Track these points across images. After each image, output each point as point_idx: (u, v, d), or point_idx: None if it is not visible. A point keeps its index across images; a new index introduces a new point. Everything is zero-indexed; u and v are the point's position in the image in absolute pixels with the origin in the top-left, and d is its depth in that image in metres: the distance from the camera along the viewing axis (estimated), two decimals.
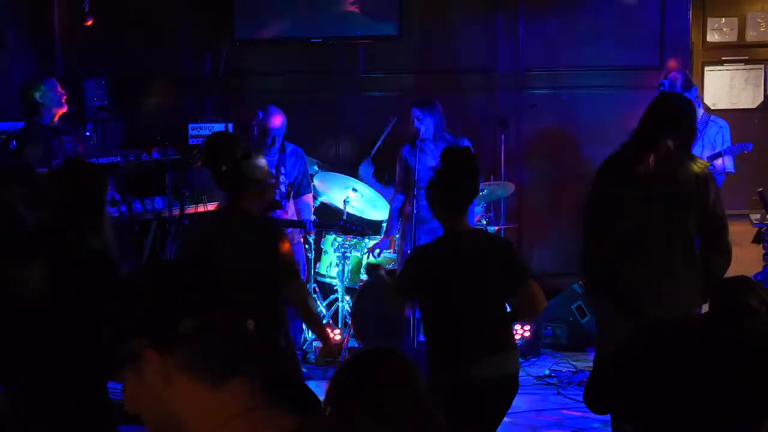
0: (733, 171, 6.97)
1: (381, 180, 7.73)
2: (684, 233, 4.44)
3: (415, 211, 6.50)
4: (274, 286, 4.28)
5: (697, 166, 4.51)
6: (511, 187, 7.48)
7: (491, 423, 4.10)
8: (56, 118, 7.06)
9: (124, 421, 4.25)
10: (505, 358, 4.05)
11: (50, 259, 3.71)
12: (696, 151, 6.13)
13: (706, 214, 4.44)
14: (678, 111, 4.51)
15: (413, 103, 6.81)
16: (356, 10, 8.22)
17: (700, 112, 6.79)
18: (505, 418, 4.22)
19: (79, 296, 3.69)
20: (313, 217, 6.95)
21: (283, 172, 6.89)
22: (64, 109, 7.12)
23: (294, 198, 6.91)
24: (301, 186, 6.93)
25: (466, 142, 6.77)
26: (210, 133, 7.29)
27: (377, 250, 7.11)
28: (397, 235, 7.07)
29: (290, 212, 6.84)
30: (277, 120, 6.86)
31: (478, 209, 7.23)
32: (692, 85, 6.89)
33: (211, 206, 7.36)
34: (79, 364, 3.70)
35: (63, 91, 7.07)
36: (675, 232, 4.43)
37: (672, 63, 7.78)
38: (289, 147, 6.94)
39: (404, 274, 4.25)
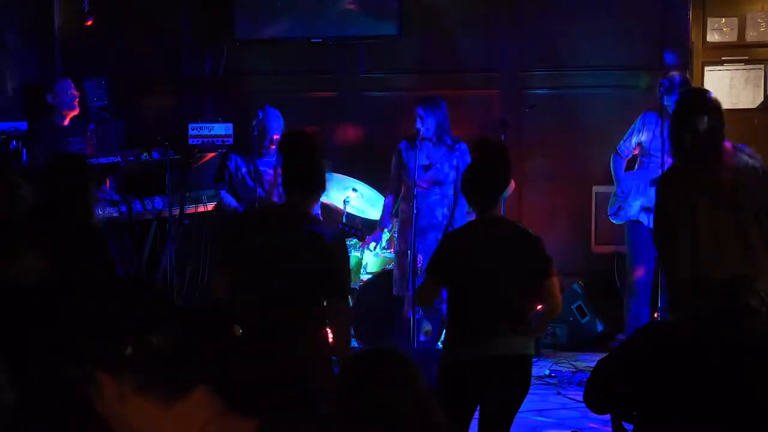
0: None
1: None
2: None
3: (415, 211, 6.49)
4: (313, 296, 4.16)
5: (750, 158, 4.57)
6: (511, 187, 7.47)
7: (507, 404, 4.24)
8: (67, 121, 7.09)
9: None
10: (516, 340, 4.20)
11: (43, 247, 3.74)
12: None
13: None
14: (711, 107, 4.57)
15: (417, 101, 6.80)
16: (356, 10, 8.22)
17: None
18: None
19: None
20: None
21: (280, 173, 6.89)
22: (76, 112, 7.15)
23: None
24: None
25: (463, 147, 6.77)
26: (210, 133, 7.32)
27: (372, 243, 7.15)
28: (395, 235, 7.06)
29: None
30: (275, 121, 6.87)
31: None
32: (690, 86, 6.88)
33: (210, 206, 7.37)
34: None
35: (76, 93, 7.10)
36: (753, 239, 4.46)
37: (671, 60, 7.78)
38: None
39: (436, 254, 4.42)
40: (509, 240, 4.30)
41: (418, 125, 6.69)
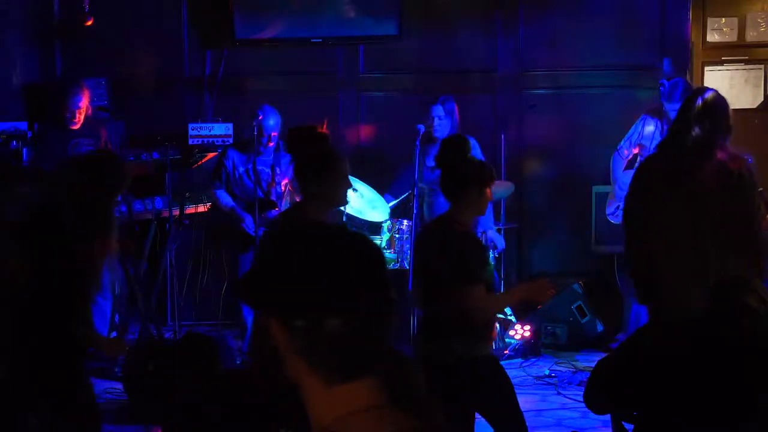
0: None
1: None
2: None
3: (415, 211, 6.48)
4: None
5: (734, 162, 4.49)
6: (511, 187, 7.48)
7: (469, 405, 4.13)
8: (79, 124, 7.10)
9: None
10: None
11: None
12: None
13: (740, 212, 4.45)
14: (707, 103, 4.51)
15: (439, 99, 6.75)
16: (356, 10, 8.22)
17: None
18: None
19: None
20: None
21: (278, 172, 6.91)
22: (89, 113, 7.17)
23: (299, 194, 6.95)
24: None
25: (473, 143, 6.74)
26: (210, 133, 7.32)
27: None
28: (396, 235, 7.06)
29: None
30: (273, 120, 6.88)
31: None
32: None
33: (205, 207, 7.37)
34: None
35: (83, 95, 7.11)
36: (707, 236, 4.43)
37: (668, 68, 7.77)
38: (284, 146, 6.97)
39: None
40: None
41: (437, 124, 6.65)
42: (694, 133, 4.40)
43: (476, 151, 6.68)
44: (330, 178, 4.17)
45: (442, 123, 6.70)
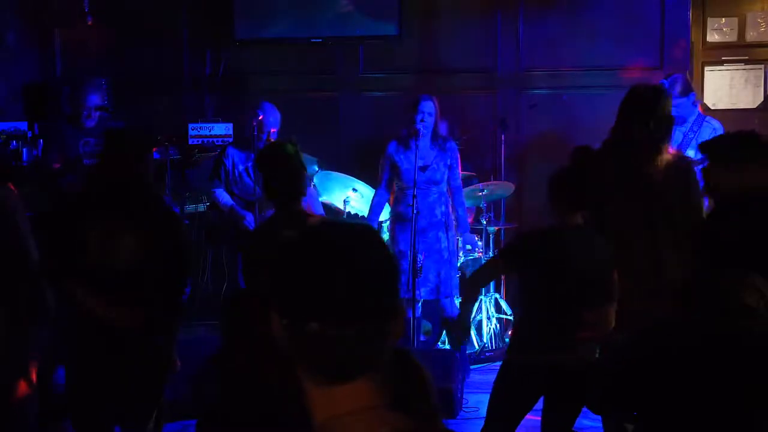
0: None
1: None
2: (669, 228, 4.46)
3: (415, 212, 6.45)
4: None
5: (673, 157, 4.55)
6: (511, 187, 7.48)
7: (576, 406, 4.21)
8: (94, 122, 7.12)
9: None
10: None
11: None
12: (689, 153, 6.16)
13: (688, 206, 4.47)
14: (646, 99, 4.55)
15: (425, 97, 6.70)
16: (356, 10, 8.22)
17: (695, 113, 6.80)
18: None
19: None
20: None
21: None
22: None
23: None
24: None
25: (452, 145, 6.77)
26: (210, 133, 7.32)
27: None
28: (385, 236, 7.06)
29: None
30: (272, 117, 6.89)
31: (469, 203, 7.23)
32: (691, 90, 6.88)
33: (204, 207, 7.36)
34: None
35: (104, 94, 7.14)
36: (659, 228, 4.44)
37: (672, 62, 7.78)
38: None
39: (514, 248, 4.44)
40: (588, 249, 4.27)
41: (425, 122, 6.60)
42: (642, 130, 4.46)
43: (455, 154, 6.71)
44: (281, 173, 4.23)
45: (428, 119, 6.63)
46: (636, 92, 4.69)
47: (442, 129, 6.88)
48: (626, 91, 4.74)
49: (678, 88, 6.63)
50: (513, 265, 4.38)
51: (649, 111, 4.54)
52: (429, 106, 6.59)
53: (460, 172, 6.88)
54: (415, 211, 6.45)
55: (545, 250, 4.19)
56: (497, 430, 4.25)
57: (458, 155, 6.80)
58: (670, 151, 4.63)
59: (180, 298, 4.32)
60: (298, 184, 4.28)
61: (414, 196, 6.46)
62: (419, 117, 6.57)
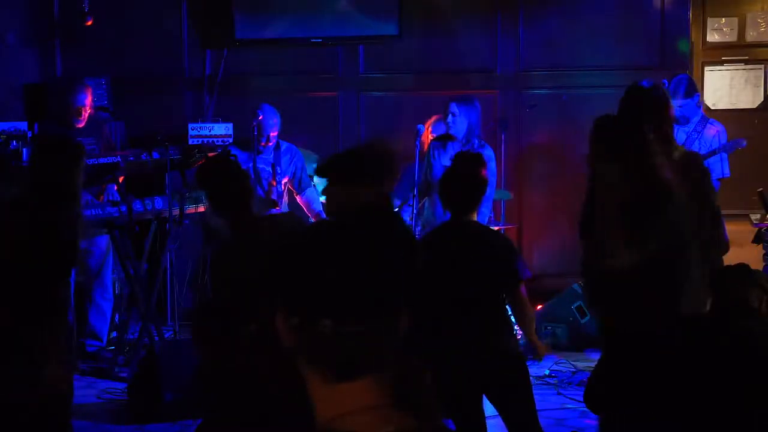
0: (728, 175, 6.95)
1: None
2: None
3: (415, 210, 6.44)
4: None
5: (685, 156, 4.53)
6: (508, 194, 7.48)
7: (503, 402, 4.16)
8: (83, 123, 7.12)
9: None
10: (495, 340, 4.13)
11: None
12: None
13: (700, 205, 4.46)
14: (649, 97, 4.52)
15: (452, 98, 6.70)
16: (356, 10, 8.22)
17: (699, 114, 6.79)
18: None
19: None
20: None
21: (279, 170, 6.92)
22: (92, 112, 7.19)
23: (299, 193, 7.02)
24: (302, 180, 7.03)
25: (489, 151, 6.67)
26: (210, 133, 7.32)
27: None
28: None
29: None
30: (272, 119, 6.90)
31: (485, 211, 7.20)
32: (696, 91, 6.85)
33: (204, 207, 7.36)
34: None
35: (92, 95, 7.13)
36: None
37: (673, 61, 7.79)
38: (284, 145, 7.02)
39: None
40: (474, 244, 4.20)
41: (450, 122, 6.60)
42: (651, 130, 4.43)
43: (490, 163, 6.64)
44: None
45: (457, 120, 6.62)
46: (642, 91, 4.63)
47: (475, 132, 6.74)
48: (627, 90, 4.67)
49: (683, 89, 6.62)
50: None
51: (659, 110, 4.50)
52: (453, 108, 6.59)
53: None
54: (414, 210, 6.45)
55: (433, 249, 4.17)
56: None
57: (493, 165, 6.64)
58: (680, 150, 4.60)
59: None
60: (244, 194, 4.20)
61: (414, 196, 6.47)
62: (448, 118, 6.58)
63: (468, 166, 4.24)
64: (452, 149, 6.52)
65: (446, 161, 6.48)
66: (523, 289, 4.18)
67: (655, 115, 4.35)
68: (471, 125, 6.62)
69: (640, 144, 3.90)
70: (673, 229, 3.79)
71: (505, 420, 4.21)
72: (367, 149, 3.90)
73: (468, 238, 4.16)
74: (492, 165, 6.59)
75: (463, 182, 4.19)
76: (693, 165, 4.50)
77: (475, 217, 4.23)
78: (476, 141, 6.66)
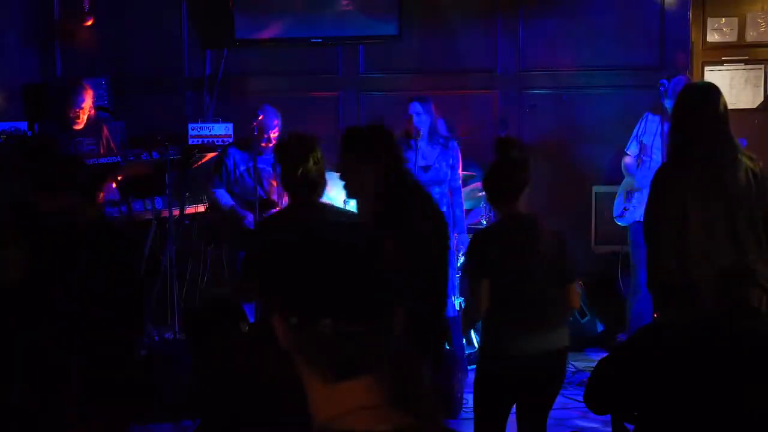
0: None
1: None
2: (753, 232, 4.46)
3: None
4: None
5: (751, 162, 4.54)
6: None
7: (546, 395, 4.34)
8: (82, 124, 7.12)
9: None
10: (553, 335, 4.22)
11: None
12: None
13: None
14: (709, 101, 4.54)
15: (413, 98, 6.73)
16: (356, 10, 8.22)
17: None
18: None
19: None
20: None
21: (279, 171, 6.90)
22: (91, 112, 7.19)
23: None
24: None
25: (454, 144, 6.76)
26: (210, 133, 7.32)
27: None
28: None
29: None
30: (273, 120, 6.89)
31: (469, 204, 7.21)
32: None
33: (204, 207, 7.36)
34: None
35: (91, 95, 7.13)
36: (743, 233, 4.44)
37: (674, 62, 7.78)
38: None
39: (472, 256, 4.45)
40: (533, 237, 4.36)
41: (417, 123, 6.62)
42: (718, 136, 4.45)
43: (457, 154, 6.71)
44: None
45: (421, 119, 6.65)
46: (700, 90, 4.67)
47: (442, 129, 6.86)
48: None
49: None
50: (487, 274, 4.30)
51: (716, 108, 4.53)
52: (416, 107, 6.63)
53: (461, 173, 6.88)
54: None
55: (493, 246, 4.28)
56: (486, 430, 4.27)
57: (459, 155, 6.81)
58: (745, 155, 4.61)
59: None
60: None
61: None
62: (414, 119, 6.62)
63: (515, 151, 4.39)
64: (421, 149, 6.57)
65: (420, 161, 6.50)
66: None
67: None
68: (432, 122, 6.67)
69: None
70: None
71: (521, 417, 4.33)
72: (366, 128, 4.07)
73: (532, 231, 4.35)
74: (459, 156, 6.74)
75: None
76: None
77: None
78: (440, 137, 6.71)
